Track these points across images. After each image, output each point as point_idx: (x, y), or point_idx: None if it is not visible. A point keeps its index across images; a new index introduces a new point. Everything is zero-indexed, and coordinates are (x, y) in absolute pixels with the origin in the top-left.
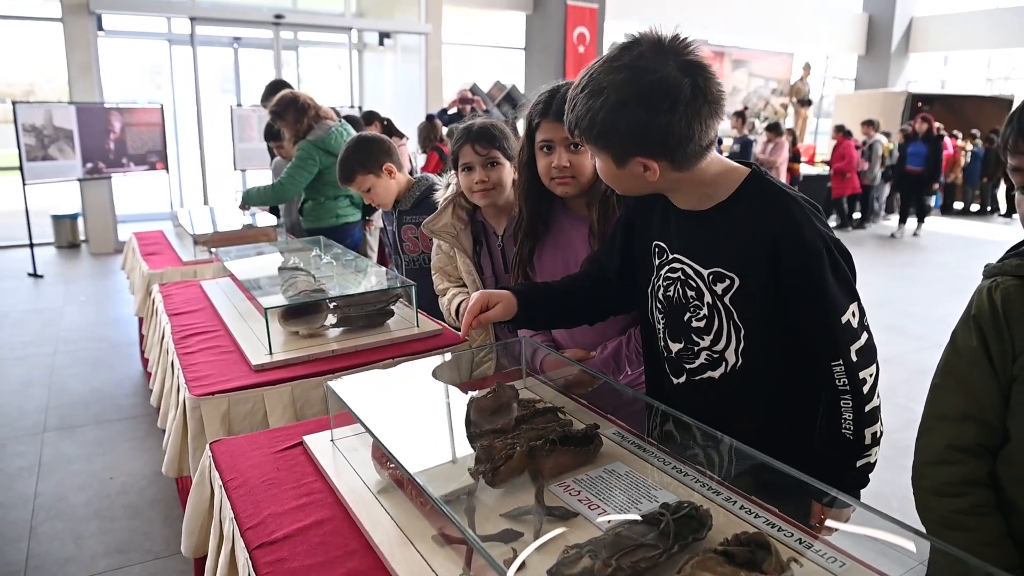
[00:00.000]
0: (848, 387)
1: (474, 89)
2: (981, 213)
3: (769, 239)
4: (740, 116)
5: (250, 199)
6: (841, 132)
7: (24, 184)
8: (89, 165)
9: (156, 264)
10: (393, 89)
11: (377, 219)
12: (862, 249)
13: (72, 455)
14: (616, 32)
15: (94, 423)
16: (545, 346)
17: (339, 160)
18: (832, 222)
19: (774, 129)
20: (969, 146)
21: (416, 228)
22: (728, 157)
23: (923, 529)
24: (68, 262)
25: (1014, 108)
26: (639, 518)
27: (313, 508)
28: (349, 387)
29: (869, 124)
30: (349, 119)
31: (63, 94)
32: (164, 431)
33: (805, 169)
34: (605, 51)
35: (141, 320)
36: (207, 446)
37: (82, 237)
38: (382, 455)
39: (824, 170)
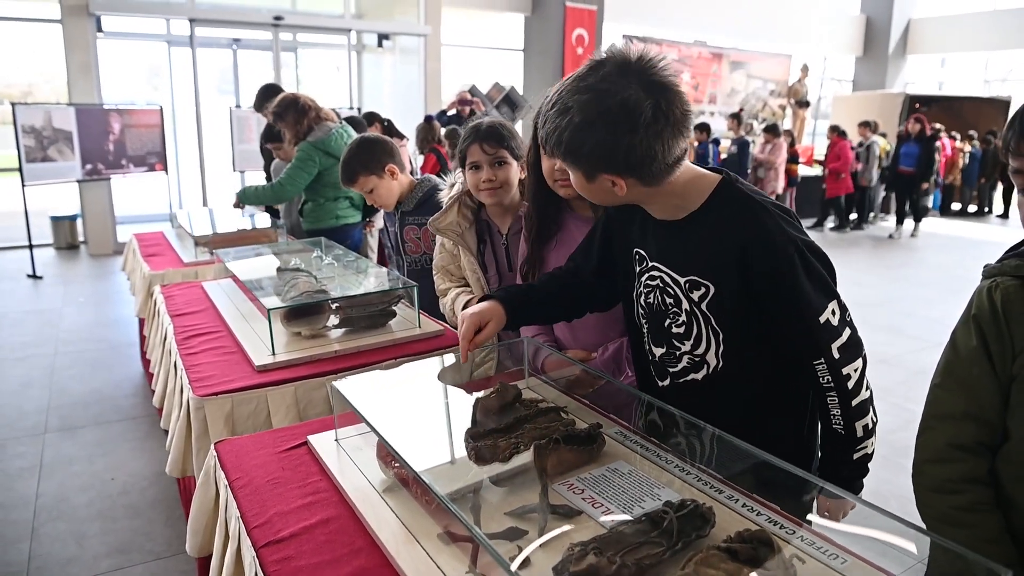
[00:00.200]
0: (832, 384)
1: (473, 91)
2: (979, 214)
3: (739, 246)
4: (735, 118)
5: (246, 198)
6: (836, 132)
7: (23, 185)
8: (88, 166)
9: (157, 265)
10: (392, 90)
11: (378, 220)
12: (859, 250)
13: (73, 456)
14: (615, 34)
15: (94, 424)
16: (547, 346)
17: (342, 161)
18: (830, 222)
19: (772, 130)
20: (967, 147)
21: (418, 229)
22: (726, 158)
23: (923, 526)
24: (67, 263)
25: (1015, 110)
26: (643, 516)
27: (319, 507)
28: (353, 387)
29: (866, 125)
30: (351, 120)
31: (62, 95)
32: (166, 432)
33: (803, 170)
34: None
35: (141, 321)
36: (212, 446)
37: (81, 238)
38: (387, 454)
39: (822, 171)
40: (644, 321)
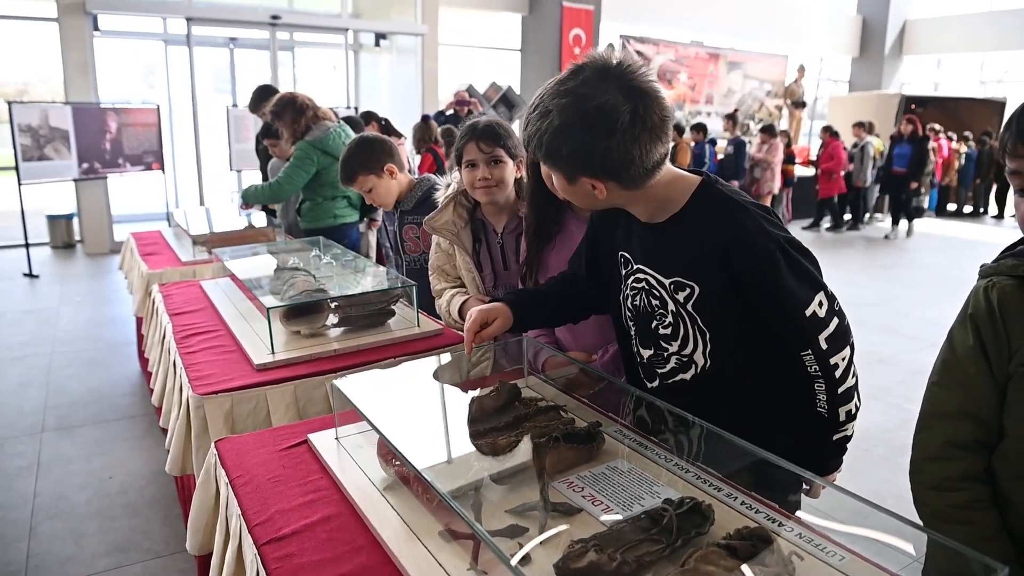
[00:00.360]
0: (820, 373)
1: (470, 90)
2: (974, 215)
3: (720, 247)
4: (731, 118)
5: (249, 197)
6: (829, 132)
7: (20, 184)
8: (85, 165)
9: (155, 264)
10: (389, 90)
11: (380, 217)
12: (855, 250)
13: (71, 455)
14: (612, 34)
15: (92, 423)
16: (548, 347)
17: (341, 160)
18: (826, 223)
19: (769, 130)
20: (963, 148)
21: (418, 228)
22: (723, 158)
23: (921, 524)
24: (64, 262)
25: (1013, 112)
26: (643, 514)
27: (319, 505)
28: (353, 386)
29: (860, 126)
30: (348, 120)
31: (57, 94)
32: (164, 430)
33: (799, 171)
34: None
35: (138, 320)
36: (212, 444)
37: (77, 237)
38: (388, 452)
39: (815, 171)
40: (631, 323)
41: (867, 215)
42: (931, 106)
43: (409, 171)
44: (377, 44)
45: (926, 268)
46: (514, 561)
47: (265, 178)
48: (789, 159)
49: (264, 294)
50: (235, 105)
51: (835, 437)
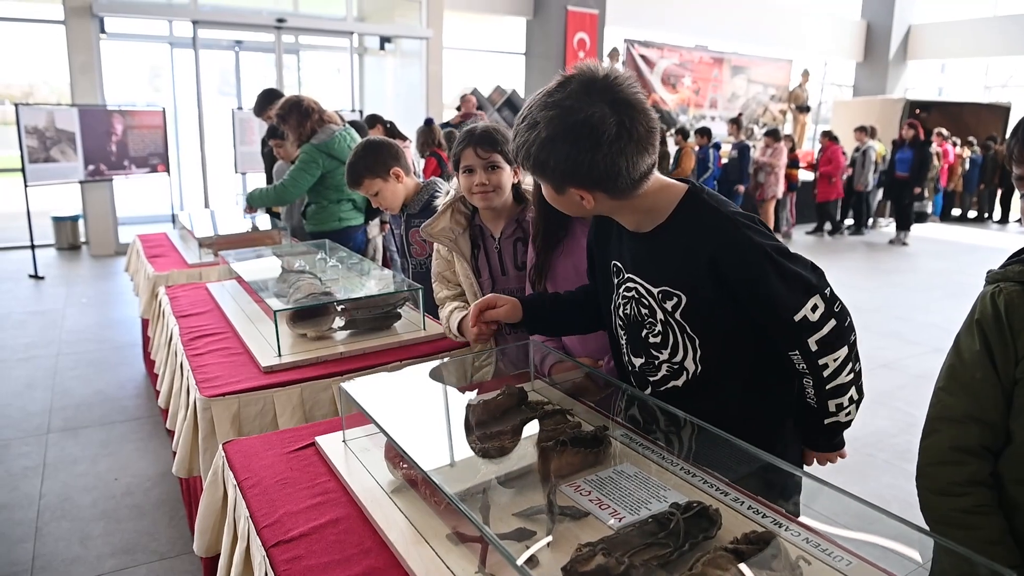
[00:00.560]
0: (808, 371)
1: (475, 94)
2: (979, 220)
3: (706, 258)
4: (735, 123)
5: (254, 200)
6: (828, 137)
7: (26, 186)
8: (91, 167)
9: (161, 266)
10: (394, 93)
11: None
12: (858, 255)
13: (77, 456)
14: (616, 38)
15: (98, 424)
16: (554, 351)
17: (347, 164)
18: (828, 226)
19: (773, 135)
20: (967, 153)
21: None
22: (726, 162)
23: (927, 528)
24: (69, 264)
25: (1020, 119)
26: (650, 518)
27: (327, 507)
28: (360, 389)
29: (862, 130)
30: (353, 124)
31: (62, 96)
32: (170, 432)
33: (803, 175)
34: (605, 57)
35: (144, 322)
36: (220, 446)
37: (83, 239)
38: (395, 455)
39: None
40: (622, 332)
41: (870, 220)
42: (935, 111)
43: (415, 174)
44: (382, 47)
45: (930, 273)
46: (520, 560)
47: (270, 181)
48: (793, 163)
49: (270, 297)
50: (240, 108)
51: (827, 422)
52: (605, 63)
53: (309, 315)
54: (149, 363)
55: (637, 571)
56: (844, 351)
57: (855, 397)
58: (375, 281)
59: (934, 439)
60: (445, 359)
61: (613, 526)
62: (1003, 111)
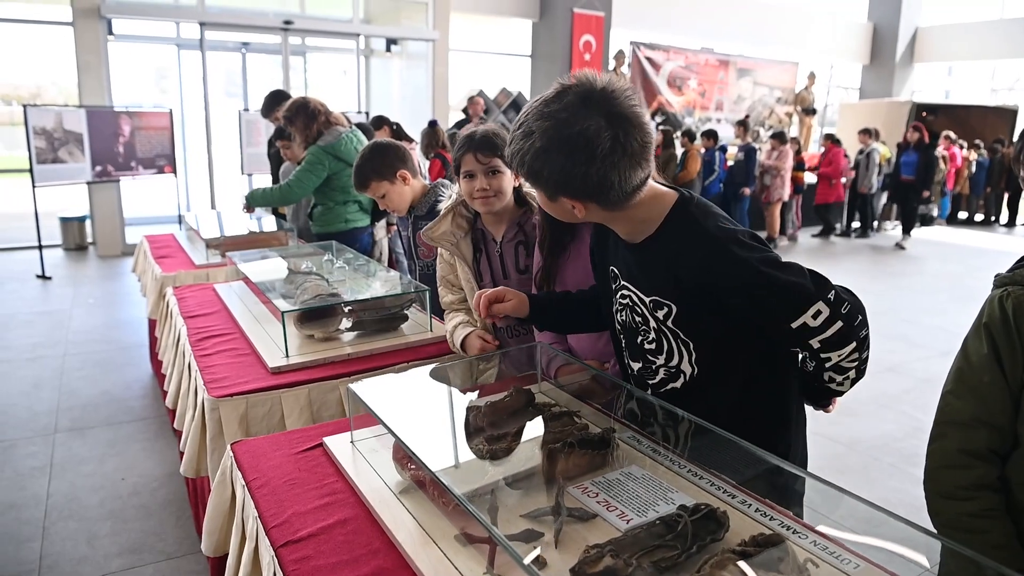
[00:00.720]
0: (810, 357)
1: (481, 95)
2: (985, 223)
3: (692, 273)
4: (742, 125)
5: (254, 200)
6: (830, 139)
7: (34, 186)
8: (98, 168)
9: (169, 267)
10: (400, 95)
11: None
12: (864, 258)
13: (84, 456)
14: (622, 40)
15: (105, 424)
16: (562, 353)
17: (354, 167)
18: (837, 229)
19: (779, 137)
20: (973, 156)
21: None
22: (732, 165)
23: (935, 532)
24: (76, 264)
25: None
26: (657, 520)
27: (336, 508)
28: (368, 390)
29: (866, 132)
30: (359, 126)
31: (69, 97)
32: (178, 432)
33: (809, 177)
34: (611, 59)
35: (151, 323)
36: (228, 447)
37: (90, 239)
38: (403, 456)
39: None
40: (621, 337)
41: (875, 223)
42: (942, 114)
43: (421, 176)
44: (388, 49)
45: (937, 276)
46: (527, 559)
47: (276, 182)
48: (799, 166)
49: (277, 298)
50: (247, 109)
51: (816, 384)
52: (605, 74)
53: (316, 316)
54: (156, 364)
55: (645, 573)
56: (851, 346)
57: (853, 376)
58: (382, 283)
59: (941, 443)
60: (455, 360)
61: (621, 528)
62: (1010, 114)
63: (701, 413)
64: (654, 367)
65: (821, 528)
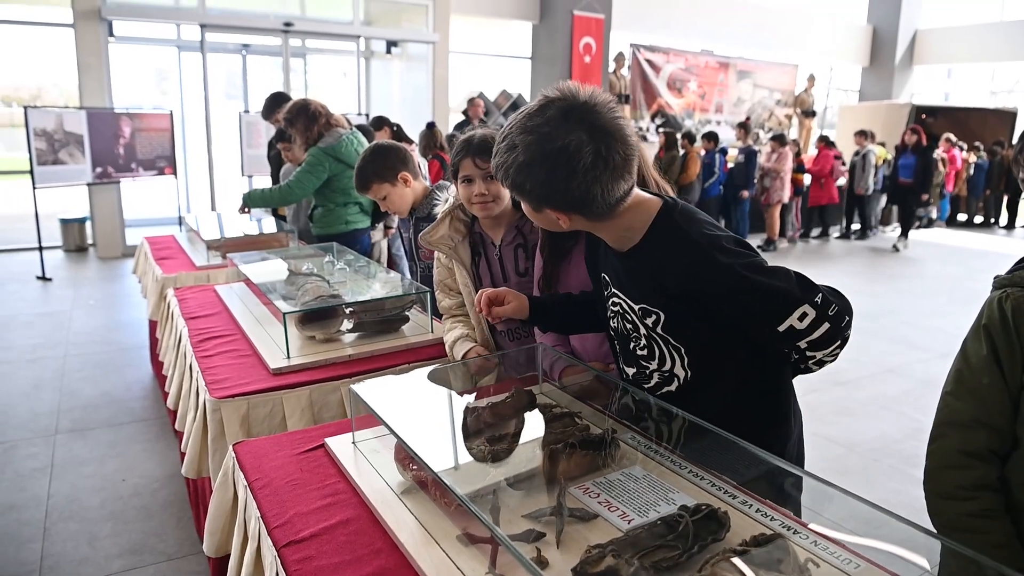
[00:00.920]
0: (794, 353)
1: (481, 97)
2: (985, 225)
3: (677, 281)
4: (743, 127)
5: (252, 200)
6: (823, 141)
7: (34, 188)
8: (99, 170)
9: (169, 268)
10: (400, 97)
11: (395, 223)
12: (863, 260)
13: (84, 457)
14: (622, 42)
15: (106, 426)
16: (564, 355)
17: (356, 168)
18: (835, 232)
19: (779, 139)
20: (973, 158)
21: None
22: (733, 167)
23: (935, 532)
24: (76, 265)
25: None
26: (659, 520)
27: (338, 508)
28: (370, 391)
29: (862, 134)
30: (360, 128)
31: (70, 98)
32: (179, 433)
33: (808, 179)
34: (611, 61)
35: (151, 324)
36: (230, 447)
37: (90, 241)
38: (405, 457)
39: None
40: (615, 343)
41: (874, 225)
42: (941, 116)
43: (422, 177)
44: (388, 51)
45: (936, 278)
46: (529, 556)
47: (276, 183)
48: (799, 168)
49: (278, 299)
50: (247, 111)
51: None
52: (588, 87)
53: (317, 317)
54: (156, 365)
55: (646, 573)
56: (836, 343)
57: (829, 364)
58: (382, 284)
59: (941, 443)
60: (456, 362)
61: (622, 528)
62: (1009, 116)
63: (696, 415)
64: (648, 372)
65: (821, 528)
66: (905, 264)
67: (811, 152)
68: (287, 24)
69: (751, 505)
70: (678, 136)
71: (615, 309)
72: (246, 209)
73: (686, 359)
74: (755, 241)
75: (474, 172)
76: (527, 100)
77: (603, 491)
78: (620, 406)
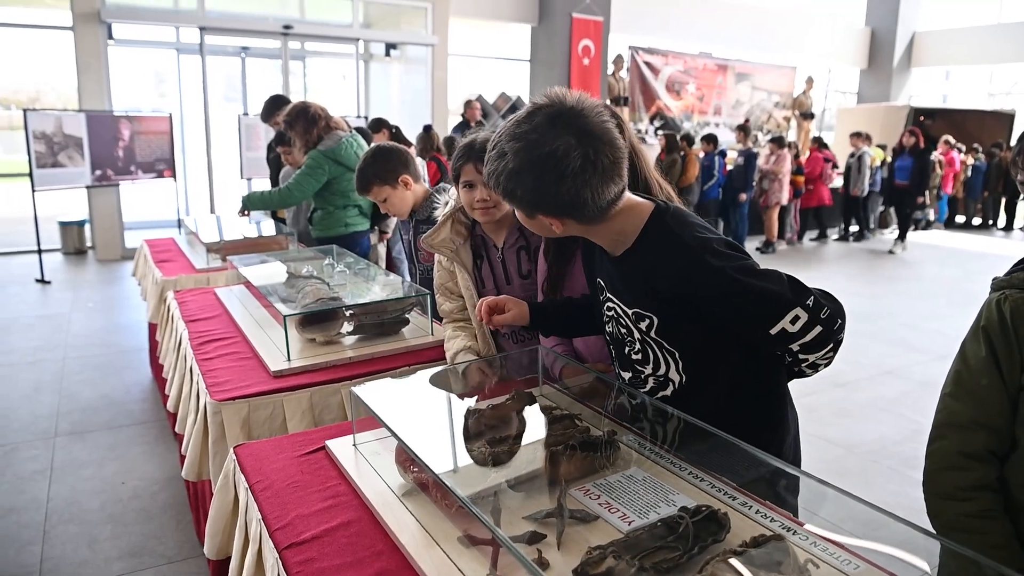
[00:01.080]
0: (787, 356)
1: (480, 100)
2: (983, 227)
3: (671, 285)
4: (743, 129)
5: (251, 203)
6: (815, 144)
7: (33, 191)
8: (98, 172)
9: (169, 271)
10: (399, 99)
11: (391, 229)
12: (861, 262)
13: (84, 460)
14: (621, 44)
15: (105, 428)
16: (563, 356)
17: (357, 170)
18: (833, 234)
19: (778, 142)
20: (970, 160)
21: None
22: (732, 169)
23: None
24: (75, 268)
25: None
26: (659, 521)
27: (339, 510)
28: (371, 393)
29: (857, 136)
30: (359, 131)
31: (68, 101)
32: (179, 436)
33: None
34: (609, 63)
35: (150, 326)
36: (231, 450)
37: (89, 244)
38: (406, 459)
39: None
40: (610, 347)
41: (871, 227)
42: (940, 118)
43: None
44: (387, 54)
45: (934, 280)
46: (530, 558)
47: (275, 186)
48: (798, 170)
49: (278, 302)
50: (246, 114)
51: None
52: (575, 92)
53: (318, 320)
54: (156, 367)
55: (647, 573)
56: (829, 346)
57: (822, 367)
58: (382, 286)
59: (941, 444)
60: (457, 365)
61: (623, 529)
62: (1007, 118)
63: (692, 416)
64: (643, 376)
65: (821, 529)
66: (903, 266)
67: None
68: (286, 27)
69: (751, 506)
70: (678, 138)
71: (610, 314)
72: (245, 212)
73: (680, 363)
74: (754, 243)
75: (476, 177)
76: (526, 102)
77: (603, 493)
78: (620, 408)
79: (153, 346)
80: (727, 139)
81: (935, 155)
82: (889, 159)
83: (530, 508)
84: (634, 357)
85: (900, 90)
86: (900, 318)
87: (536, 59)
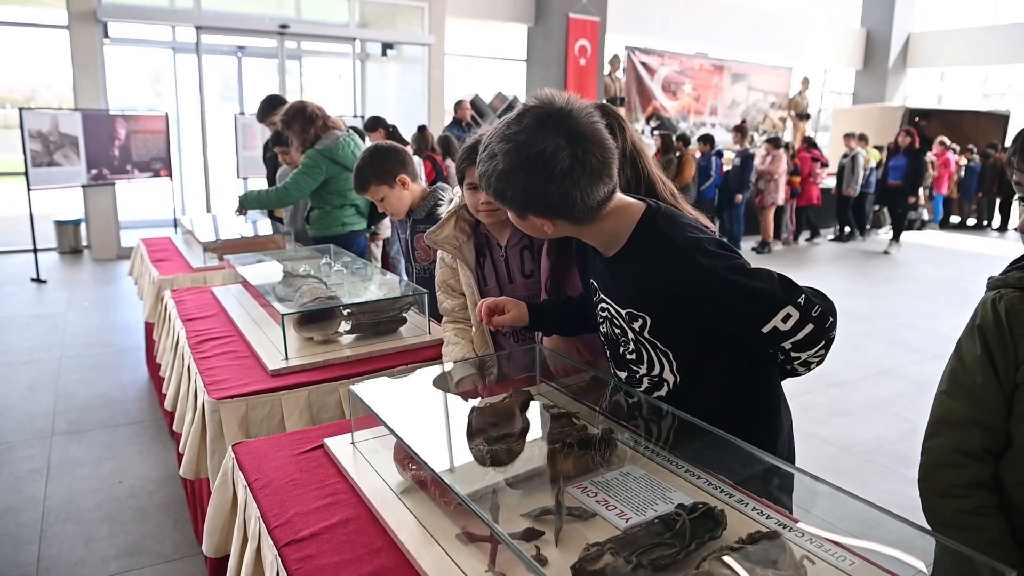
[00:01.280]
0: (779, 354)
1: (476, 100)
2: (978, 227)
3: (663, 285)
4: (739, 130)
5: (249, 202)
6: (805, 144)
7: (29, 190)
8: (94, 171)
9: (166, 270)
10: (396, 99)
11: (383, 231)
12: (856, 263)
13: (81, 459)
14: (617, 45)
15: (102, 427)
16: (561, 355)
17: (355, 170)
18: (829, 234)
19: (774, 142)
20: (964, 160)
21: None
22: (729, 170)
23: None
24: (71, 267)
25: (1022, 128)
26: (656, 518)
27: (337, 508)
28: (369, 392)
29: (850, 136)
30: (355, 130)
31: (64, 100)
32: (176, 435)
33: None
34: (606, 64)
35: (147, 325)
36: (229, 448)
37: (84, 243)
38: (404, 457)
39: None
40: (605, 347)
41: (867, 227)
42: (935, 119)
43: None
44: (384, 54)
45: (930, 280)
46: (529, 555)
47: (272, 185)
48: (794, 171)
49: (276, 301)
50: (242, 113)
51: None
52: (564, 93)
53: (315, 319)
54: (152, 366)
55: (644, 570)
56: (821, 344)
57: (814, 366)
58: (379, 285)
59: (936, 442)
60: (454, 363)
61: (620, 526)
62: (1002, 119)
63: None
64: (638, 376)
65: (817, 526)
66: (899, 266)
67: None
68: (283, 26)
69: (747, 504)
70: (674, 138)
71: (604, 314)
72: (242, 211)
73: (674, 363)
74: (750, 243)
75: None
76: (523, 102)
77: (601, 490)
78: (617, 406)
79: (149, 345)
80: (723, 139)
81: (929, 155)
82: (882, 158)
83: (528, 505)
84: (629, 357)
85: (895, 91)
86: (896, 318)
87: (532, 59)
